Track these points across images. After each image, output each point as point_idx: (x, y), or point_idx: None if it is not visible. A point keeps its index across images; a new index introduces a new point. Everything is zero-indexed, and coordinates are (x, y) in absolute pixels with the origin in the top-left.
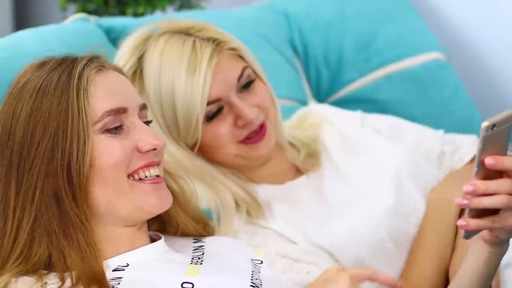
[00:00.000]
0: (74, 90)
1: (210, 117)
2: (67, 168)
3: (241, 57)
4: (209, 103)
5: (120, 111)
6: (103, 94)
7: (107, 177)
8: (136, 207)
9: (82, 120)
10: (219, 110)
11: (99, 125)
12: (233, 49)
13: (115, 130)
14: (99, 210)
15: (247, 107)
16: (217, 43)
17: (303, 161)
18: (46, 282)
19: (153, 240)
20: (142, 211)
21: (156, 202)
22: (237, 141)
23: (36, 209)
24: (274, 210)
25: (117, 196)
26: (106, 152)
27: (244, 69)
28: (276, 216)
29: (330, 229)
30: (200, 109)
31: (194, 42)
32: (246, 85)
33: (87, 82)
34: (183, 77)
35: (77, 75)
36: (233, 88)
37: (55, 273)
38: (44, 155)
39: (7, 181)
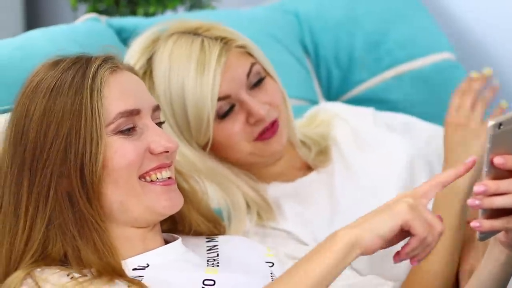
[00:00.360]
0: (88, 91)
1: (222, 116)
2: (80, 168)
3: (250, 54)
4: (218, 100)
5: (134, 113)
6: (117, 95)
7: (119, 178)
8: (148, 208)
9: (95, 122)
10: (231, 108)
11: (112, 126)
12: (241, 46)
13: (128, 131)
14: (112, 210)
15: (257, 104)
16: (225, 42)
17: (313, 158)
18: (72, 271)
19: (166, 241)
20: (153, 213)
21: (167, 204)
22: (251, 139)
23: (51, 209)
24: (284, 210)
25: (129, 197)
26: (118, 153)
27: (252, 65)
28: (287, 216)
29: (337, 228)
30: (210, 108)
31: (203, 41)
32: (257, 83)
33: (100, 83)
34: (192, 77)
35: (91, 75)
36: (243, 85)
37: (73, 269)
38: (57, 155)
39: (19, 180)
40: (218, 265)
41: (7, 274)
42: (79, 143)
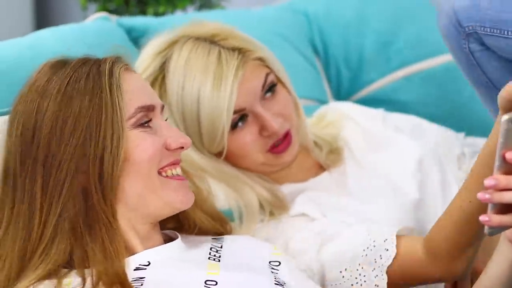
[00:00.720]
0: (107, 86)
1: (233, 126)
2: (99, 163)
3: (265, 64)
4: (234, 113)
5: (150, 109)
6: (134, 90)
7: (139, 172)
8: (165, 203)
9: (117, 115)
10: (242, 118)
11: (132, 120)
12: (258, 58)
13: (146, 125)
14: (128, 205)
15: (271, 117)
16: (243, 53)
17: (325, 157)
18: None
19: (170, 239)
20: (170, 207)
21: (184, 199)
22: (264, 151)
23: (62, 203)
24: (296, 201)
25: (147, 191)
26: (140, 146)
27: (267, 75)
28: (297, 204)
29: (355, 213)
30: (225, 122)
31: (220, 53)
32: (269, 90)
33: (118, 79)
34: (208, 91)
35: (107, 71)
36: (257, 98)
37: (76, 271)
38: (74, 150)
39: (33, 177)
40: (219, 260)
41: (21, 270)
42: (100, 136)
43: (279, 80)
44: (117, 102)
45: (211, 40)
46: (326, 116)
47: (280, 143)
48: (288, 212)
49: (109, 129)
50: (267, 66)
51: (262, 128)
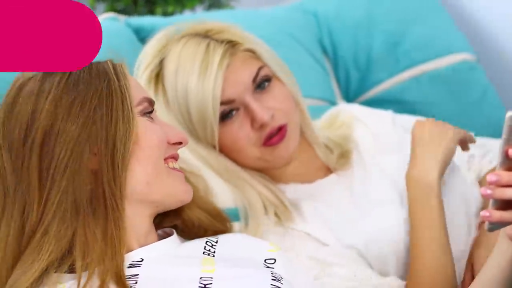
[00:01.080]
0: (113, 76)
1: (224, 117)
2: (112, 144)
3: (258, 58)
4: (222, 104)
5: (151, 102)
6: (136, 84)
7: (149, 157)
8: (170, 192)
9: (126, 100)
10: (233, 110)
11: (139, 107)
12: (249, 50)
13: (150, 116)
14: (135, 191)
15: (261, 108)
16: (232, 45)
17: (335, 161)
18: None
19: (167, 237)
20: (174, 198)
21: (187, 190)
22: (259, 145)
23: (67, 181)
24: (304, 211)
25: (155, 178)
26: (150, 131)
27: (259, 69)
28: (306, 217)
29: (359, 229)
30: (212, 112)
31: (208, 44)
32: (262, 85)
33: (122, 70)
34: (195, 79)
35: (110, 65)
36: (248, 90)
37: (66, 275)
38: (81, 130)
39: (29, 156)
40: (214, 255)
41: (18, 256)
42: (111, 119)
43: (274, 75)
44: (125, 87)
45: (204, 35)
46: (337, 118)
47: (273, 136)
48: (294, 220)
49: (120, 111)
50: (261, 61)
51: (253, 120)
